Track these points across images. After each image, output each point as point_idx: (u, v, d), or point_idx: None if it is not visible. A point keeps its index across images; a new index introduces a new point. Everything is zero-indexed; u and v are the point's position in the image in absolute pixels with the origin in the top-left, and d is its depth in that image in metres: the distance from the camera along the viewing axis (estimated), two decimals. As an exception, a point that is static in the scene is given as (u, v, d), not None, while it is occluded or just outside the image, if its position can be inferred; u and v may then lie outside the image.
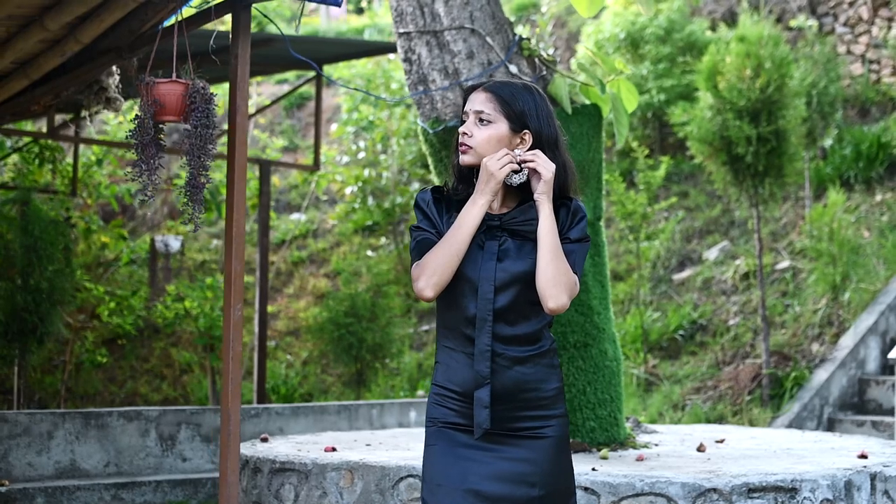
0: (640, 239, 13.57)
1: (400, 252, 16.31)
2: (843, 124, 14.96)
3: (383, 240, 16.82)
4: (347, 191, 16.41)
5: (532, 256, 4.25)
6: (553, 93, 7.70)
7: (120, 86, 7.82)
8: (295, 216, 17.71)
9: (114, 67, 7.61)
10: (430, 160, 7.91)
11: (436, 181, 7.97)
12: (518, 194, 4.36)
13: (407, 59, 7.80)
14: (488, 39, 7.61)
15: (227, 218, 6.32)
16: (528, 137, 4.31)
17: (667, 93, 15.39)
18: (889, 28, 15.77)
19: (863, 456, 7.27)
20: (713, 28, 16.62)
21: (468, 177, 4.39)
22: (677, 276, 14.39)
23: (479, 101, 4.32)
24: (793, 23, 15.62)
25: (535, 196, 4.26)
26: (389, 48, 14.30)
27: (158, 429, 10.39)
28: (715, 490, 6.31)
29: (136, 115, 5.99)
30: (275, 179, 17.39)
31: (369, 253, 16.58)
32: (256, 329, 12.96)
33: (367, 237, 17.09)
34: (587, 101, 7.87)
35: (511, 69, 7.63)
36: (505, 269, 4.26)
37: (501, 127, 4.30)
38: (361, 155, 16.42)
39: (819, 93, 13.63)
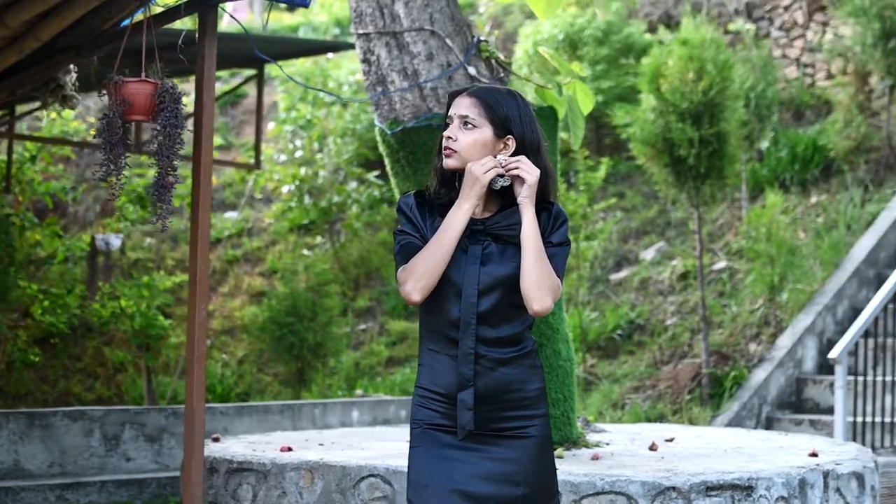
0: (579, 239, 13.66)
1: (336, 251, 16.31)
2: (779, 127, 15.14)
3: (319, 238, 16.80)
4: (284, 189, 16.38)
5: (514, 260, 4.31)
6: (510, 95, 7.73)
7: (77, 84, 7.77)
8: (229, 214, 17.65)
9: (71, 65, 7.56)
10: (387, 161, 7.93)
11: (392, 182, 7.98)
12: (500, 199, 4.41)
13: (366, 60, 7.82)
14: (448, 41, 7.65)
15: (193, 218, 6.32)
16: (512, 143, 4.37)
17: (604, 94, 15.48)
18: (824, 32, 15.98)
19: (814, 454, 7.40)
20: (651, 30, 16.75)
21: (451, 180, 4.44)
22: (614, 277, 14.51)
23: (465, 106, 4.37)
24: (731, 26, 15.78)
25: (519, 200, 4.31)
26: (332, 47, 14.32)
27: (102, 429, 10.33)
28: (674, 488, 6.40)
29: (105, 113, 5.97)
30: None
31: (305, 252, 16.56)
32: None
33: (302, 236, 17.06)
34: (543, 104, 7.92)
35: (470, 71, 7.67)
36: (488, 272, 4.31)
37: (486, 132, 4.35)
38: (299, 154, 16.39)
39: (757, 96, 13.80)
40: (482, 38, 7.88)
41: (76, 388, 14.36)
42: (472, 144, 4.33)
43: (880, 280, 12.80)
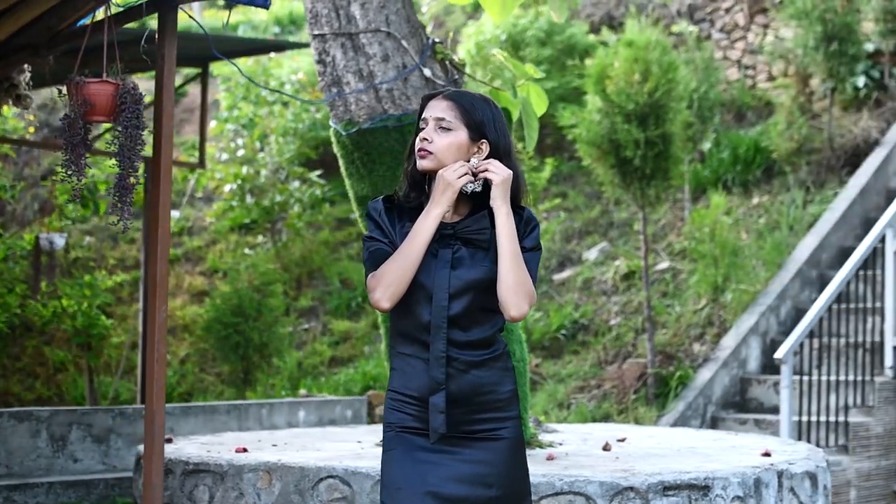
0: (524, 239, 13.66)
1: (278, 250, 16.26)
2: (720, 128, 15.26)
3: (260, 238, 16.75)
4: (226, 188, 16.33)
5: (485, 264, 4.35)
6: (465, 96, 7.76)
7: (30, 83, 7.71)
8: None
9: (25, 64, 7.50)
10: (341, 162, 7.92)
11: (347, 183, 7.97)
12: (470, 202, 4.44)
13: (321, 61, 7.80)
14: (403, 43, 7.65)
15: (152, 219, 6.29)
16: (486, 147, 4.41)
17: (547, 95, 15.48)
18: (765, 34, 16.12)
19: (767, 454, 7.46)
20: (593, 31, 16.82)
21: (421, 183, 4.47)
22: (558, 277, 14.56)
23: (440, 109, 4.40)
24: (675, 28, 15.88)
25: (491, 202, 4.34)
26: (279, 46, 14.29)
27: (49, 429, 10.26)
28: (632, 489, 6.44)
29: (66, 114, 5.93)
30: (151, 176, 17.14)
31: (247, 251, 16.50)
32: (141, 328, 12.83)
33: (243, 235, 17.00)
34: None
35: (425, 73, 7.69)
36: (458, 276, 4.34)
37: (461, 135, 4.38)
38: (240, 153, 16.33)
39: (700, 97, 13.90)
40: (437, 40, 7.90)
41: (16, 388, 14.24)
42: (447, 147, 4.36)
43: (823, 281, 12.93)
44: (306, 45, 14.69)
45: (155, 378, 6.19)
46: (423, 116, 4.43)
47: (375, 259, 4.37)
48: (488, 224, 4.37)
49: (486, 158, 4.39)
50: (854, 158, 14.35)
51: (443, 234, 4.37)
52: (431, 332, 4.32)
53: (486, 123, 4.40)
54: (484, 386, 4.36)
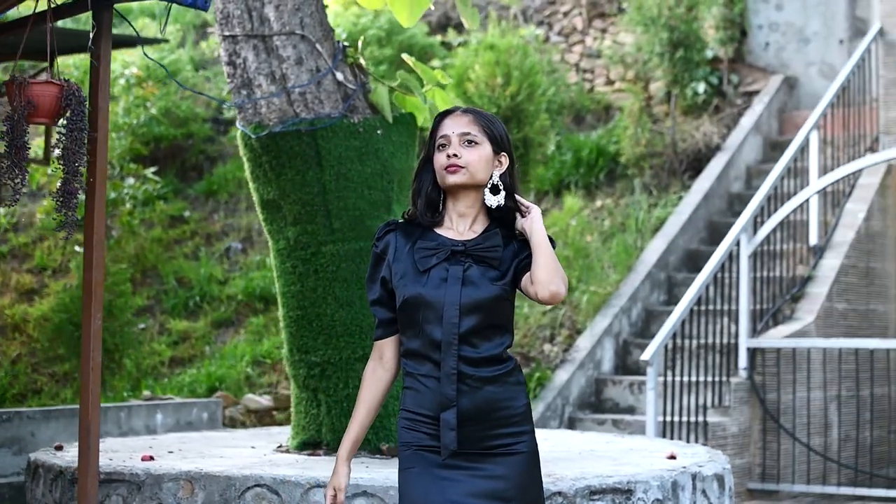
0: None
1: (111, 248, 15.94)
2: (562, 131, 15.46)
3: (91, 235, 16.38)
4: (58, 184, 15.92)
5: (495, 282, 4.39)
6: (375, 101, 7.77)
7: (-64, 80, 7.43)
8: (-6, 210, 17.06)
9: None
10: (247, 166, 7.81)
11: (252, 187, 7.84)
12: (487, 218, 4.48)
13: (231, 63, 7.68)
14: (317, 46, 7.60)
15: (87, 225, 6.14)
16: (505, 160, 4.49)
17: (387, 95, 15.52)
18: (603, 38, 16.40)
19: (672, 457, 7.62)
20: (432, 31, 16.88)
21: (436, 202, 4.47)
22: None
23: (464, 124, 4.43)
24: (522, 32, 16.05)
25: (527, 226, 4.41)
26: (133, 41, 14.01)
27: None
28: (560, 493, 6.54)
29: (9, 115, 5.75)
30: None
31: (77, 248, 16.13)
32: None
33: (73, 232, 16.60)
34: (403, 110, 7.96)
35: (338, 76, 7.65)
36: (469, 294, 4.37)
37: (487, 148, 4.45)
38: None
39: (548, 101, 14.08)
40: (346, 44, 7.87)
41: None
42: (478, 160, 4.40)
43: (671, 283, 13.23)
44: (161, 42, 14.48)
45: (91, 387, 6.05)
46: (443, 134, 4.43)
47: (381, 325, 4.53)
48: (500, 242, 4.42)
49: (504, 172, 4.43)
50: (696, 163, 14.70)
51: (454, 252, 4.39)
52: (442, 349, 4.34)
53: (503, 137, 4.49)
54: (498, 402, 4.40)
